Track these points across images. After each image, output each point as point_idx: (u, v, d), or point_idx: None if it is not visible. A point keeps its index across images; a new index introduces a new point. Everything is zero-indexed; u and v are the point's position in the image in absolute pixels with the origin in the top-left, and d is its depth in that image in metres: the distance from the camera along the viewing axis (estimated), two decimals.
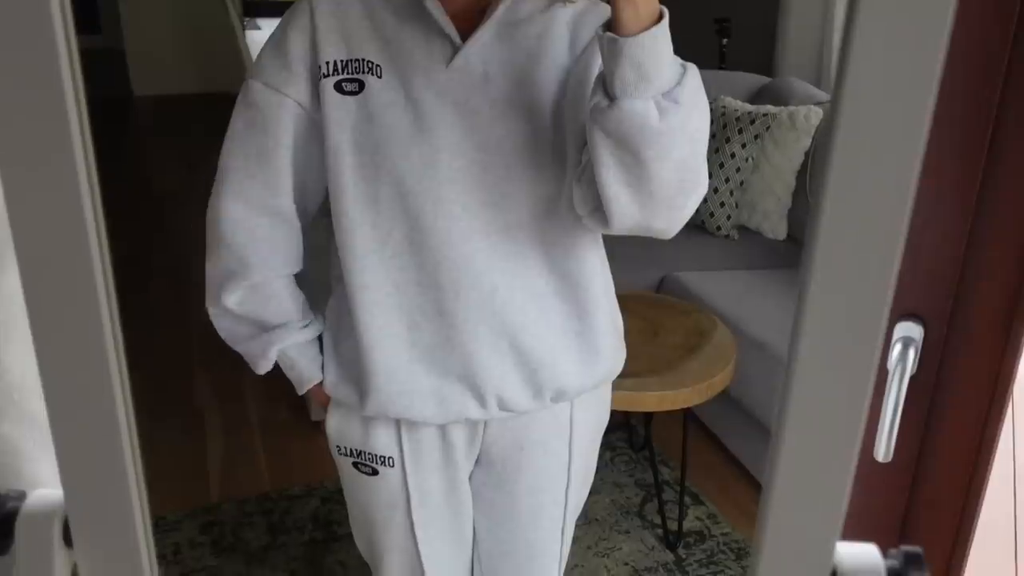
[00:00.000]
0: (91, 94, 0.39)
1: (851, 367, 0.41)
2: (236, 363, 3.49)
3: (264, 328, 1.18)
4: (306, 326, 1.19)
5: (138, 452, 0.43)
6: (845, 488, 0.43)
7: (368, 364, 1.13)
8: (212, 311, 1.18)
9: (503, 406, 1.15)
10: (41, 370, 0.41)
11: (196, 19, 6.57)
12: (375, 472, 1.21)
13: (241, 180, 1.11)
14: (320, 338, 1.22)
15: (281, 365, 1.20)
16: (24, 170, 0.38)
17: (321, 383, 1.20)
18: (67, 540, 0.44)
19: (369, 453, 1.20)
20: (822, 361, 0.41)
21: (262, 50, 1.11)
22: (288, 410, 2.85)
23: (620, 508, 2.42)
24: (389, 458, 1.20)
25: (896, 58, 0.35)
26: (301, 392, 1.22)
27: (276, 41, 1.09)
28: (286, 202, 1.12)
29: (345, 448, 1.22)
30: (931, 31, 0.35)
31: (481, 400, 1.14)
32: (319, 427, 2.70)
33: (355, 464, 1.22)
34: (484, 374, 1.12)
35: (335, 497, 2.42)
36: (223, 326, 1.19)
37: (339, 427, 1.22)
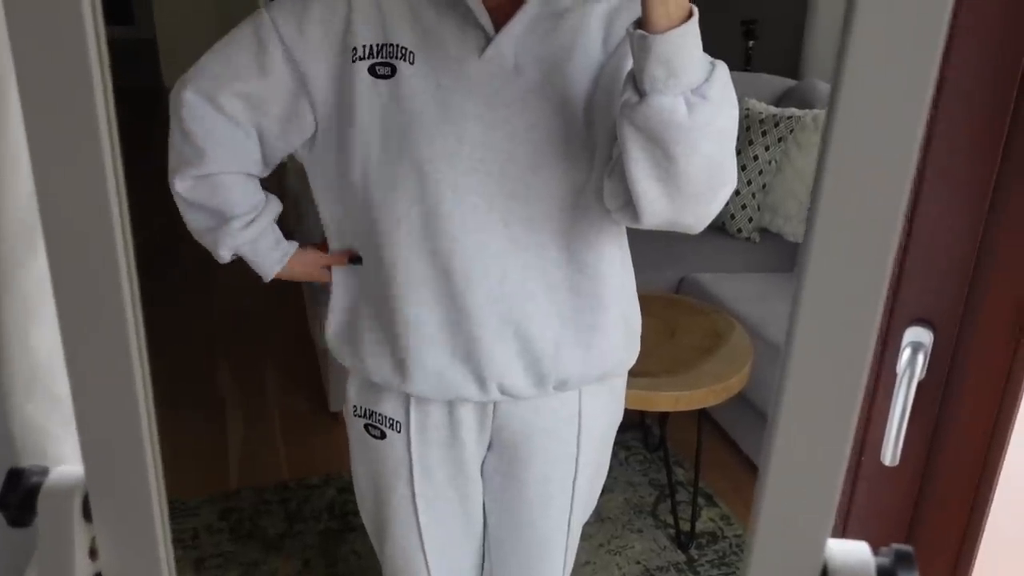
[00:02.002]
0: (122, 85, 0.41)
1: (844, 365, 0.42)
2: (258, 352, 3.48)
3: (216, 220, 1.19)
4: (251, 222, 1.20)
5: (155, 431, 0.45)
6: (836, 484, 0.44)
7: (373, 336, 1.17)
8: (174, 197, 1.20)
9: (504, 391, 1.18)
10: (65, 349, 0.43)
11: (227, 11, 6.63)
12: (383, 436, 1.25)
13: (215, 79, 1.12)
14: (282, 230, 1.26)
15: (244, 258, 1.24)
16: (53, 160, 0.40)
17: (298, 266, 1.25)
18: (87, 515, 0.46)
19: (379, 414, 1.24)
20: (816, 359, 0.42)
21: None
22: (308, 401, 2.88)
23: (633, 507, 2.43)
24: (396, 422, 1.23)
25: (891, 69, 0.36)
26: (267, 280, 1.26)
27: None
28: (242, 115, 1.13)
29: (360, 408, 1.27)
30: (927, 34, 0.36)
31: (482, 384, 1.17)
32: (338, 418, 2.73)
33: (366, 426, 1.26)
34: (487, 360, 1.15)
35: (351, 487, 2.44)
36: (182, 212, 1.21)
37: (358, 386, 1.27)
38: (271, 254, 1.23)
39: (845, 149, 0.36)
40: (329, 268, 1.25)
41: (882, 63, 0.36)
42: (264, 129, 1.15)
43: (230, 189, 1.18)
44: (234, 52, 1.11)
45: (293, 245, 1.26)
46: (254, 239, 1.21)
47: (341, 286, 1.23)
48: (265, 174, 1.23)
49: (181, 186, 1.17)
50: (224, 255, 1.21)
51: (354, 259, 1.21)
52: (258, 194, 1.22)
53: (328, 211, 1.20)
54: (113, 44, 0.41)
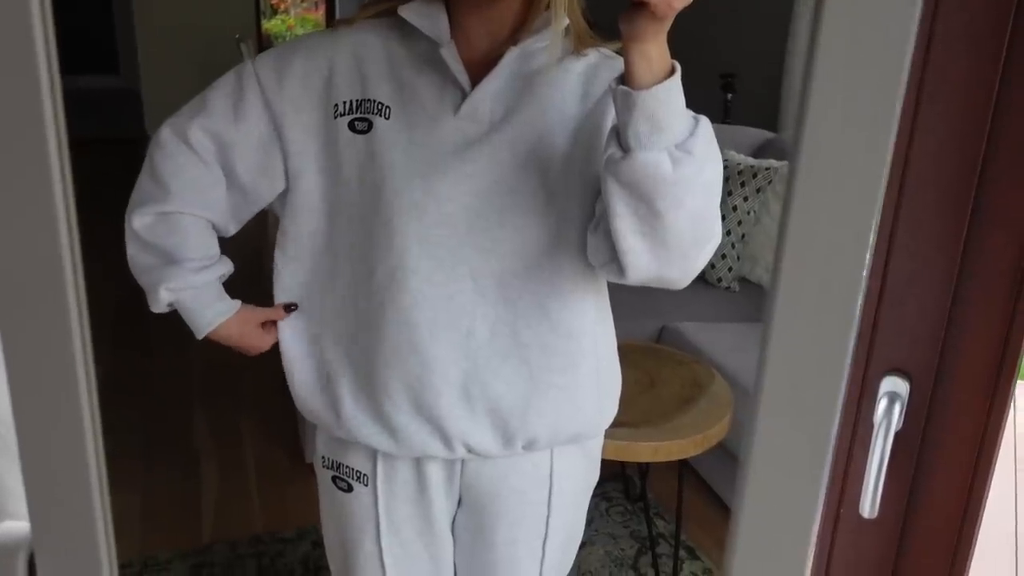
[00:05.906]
0: (105, 135, 0.41)
1: (813, 417, 0.41)
2: (235, 403, 3.44)
3: (164, 261, 1.14)
4: (203, 268, 1.15)
5: (106, 488, 0.44)
6: (809, 535, 0.43)
7: (336, 390, 1.15)
8: (126, 235, 1.16)
9: (471, 449, 1.15)
10: (14, 406, 0.42)
11: (212, 63, 6.68)
12: (350, 489, 1.22)
13: (190, 118, 1.12)
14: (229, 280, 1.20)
15: (179, 310, 1.17)
16: (5, 212, 0.39)
17: (233, 325, 1.19)
18: (32, 572, 0.44)
19: (347, 467, 1.22)
20: (785, 412, 0.41)
21: (275, 48, 1.14)
22: (284, 453, 2.83)
23: (614, 560, 2.39)
24: (364, 475, 1.21)
25: (853, 124, 0.36)
26: (199, 337, 1.19)
27: (289, 53, 1.12)
28: (210, 155, 1.12)
29: (328, 460, 1.24)
30: (887, 95, 0.36)
31: (447, 441, 1.14)
32: (314, 470, 2.69)
33: (334, 479, 1.24)
34: (451, 417, 1.12)
35: None
36: (130, 253, 1.16)
37: (326, 437, 1.25)
38: (214, 305, 1.17)
39: (807, 207, 0.36)
40: (264, 329, 1.20)
41: (844, 115, 0.36)
42: (231, 176, 1.14)
43: (187, 232, 1.14)
44: (213, 96, 1.12)
45: (236, 304, 1.20)
46: (200, 287, 1.15)
47: (293, 346, 1.19)
48: (229, 231, 1.19)
49: (139, 223, 1.13)
50: (163, 297, 1.14)
51: (288, 308, 1.19)
52: (214, 247, 1.18)
53: (292, 266, 1.17)
54: (97, 93, 0.40)
